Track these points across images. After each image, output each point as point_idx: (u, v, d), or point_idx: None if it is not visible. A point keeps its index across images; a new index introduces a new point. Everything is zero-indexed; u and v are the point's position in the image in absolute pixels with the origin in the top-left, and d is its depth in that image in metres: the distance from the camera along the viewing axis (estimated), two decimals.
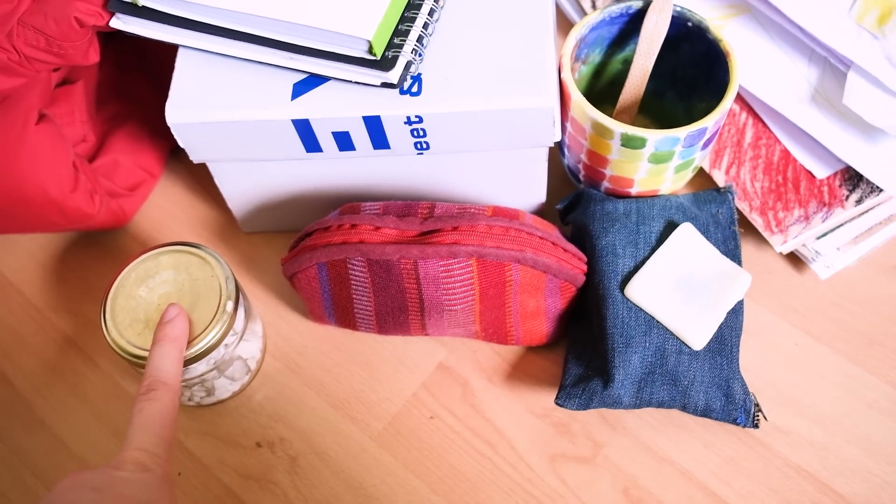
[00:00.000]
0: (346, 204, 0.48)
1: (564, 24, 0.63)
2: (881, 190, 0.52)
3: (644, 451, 0.48)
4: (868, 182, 0.52)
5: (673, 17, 0.50)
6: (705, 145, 0.48)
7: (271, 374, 0.52)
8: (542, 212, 0.54)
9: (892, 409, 0.48)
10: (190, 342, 0.44)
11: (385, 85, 0.44)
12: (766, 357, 0.50)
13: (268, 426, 0.50)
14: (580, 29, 0.49)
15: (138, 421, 0.39)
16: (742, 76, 0.55)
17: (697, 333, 0.45)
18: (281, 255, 0.55)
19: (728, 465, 0.47)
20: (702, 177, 0.56)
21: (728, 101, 0.46)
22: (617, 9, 0.50)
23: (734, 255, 0.49)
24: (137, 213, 0.58)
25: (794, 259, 0.53)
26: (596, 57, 0.53)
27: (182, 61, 0.47)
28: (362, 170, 0.50)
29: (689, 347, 0.45)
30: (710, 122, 0.46)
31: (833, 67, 0.55)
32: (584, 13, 0.61)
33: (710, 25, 0.49)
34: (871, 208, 0.53)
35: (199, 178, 0.59)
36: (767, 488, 0.46)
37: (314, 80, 0.45)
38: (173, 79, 0.46)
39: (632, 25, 0.51)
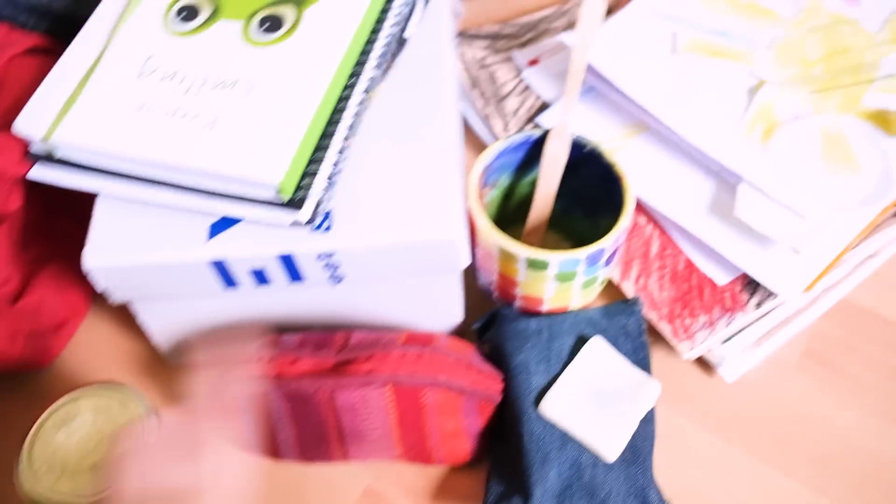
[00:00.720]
0: (264, 337, 0.50)
1: (477, 144, 0.66)
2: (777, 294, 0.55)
3: None
4: (766, 287, 0.56)
5: (571, 142, 0.53)
6: (608, 262, 0.51)
7: None
8: (461, 330, 0.56)
9: None
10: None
11: (297, 224, 0.46)
12: (681, 462, 0.52)
13: None
14: (486, 158, 0.53)
15: None
16: (640, 193, 0.59)
17: (610, 445, 0.47)
18: None
19: None
20: (613, 288, 0.58)
21: (624, 222, 0.49)
22: (519, 137, 0.54)
23: (644, 365, 0.51)
24: (63, 351, 0.58)
25: (703, 363, 0.56)
26: (505, 181, 0.56)
27: (100, 206, 0.48)
28: (280, 301, 0.51)
29: (604, 459, 0.47)
30: (608, 242, 0.49)
31: (726, 180, 0.59)
32: (493, 134, 0.65)
33: (603, 150, 0.52)
34: (771, 311, 0.56)
35: (126, 312, 0.60)
36: None
37: (229, 221, 0.47)
38: (91, 224, 0.48)
39: (536, 150, 0.55)
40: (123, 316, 0.60)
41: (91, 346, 0.59)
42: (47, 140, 0.46)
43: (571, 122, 0.53)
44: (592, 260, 0.49)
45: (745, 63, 0.63)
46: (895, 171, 0.58)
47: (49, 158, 0.48)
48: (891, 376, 0.54)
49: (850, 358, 0.55)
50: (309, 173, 0.46)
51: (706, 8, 0.67)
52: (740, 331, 0.55)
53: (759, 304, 0.55)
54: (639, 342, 0.52)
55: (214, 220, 0.48)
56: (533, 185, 0.57)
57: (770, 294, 0.55)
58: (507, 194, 0.58)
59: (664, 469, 0.51)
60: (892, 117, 0.60)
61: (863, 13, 0.65)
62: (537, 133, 0.54)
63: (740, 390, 0.54)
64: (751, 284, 0.56)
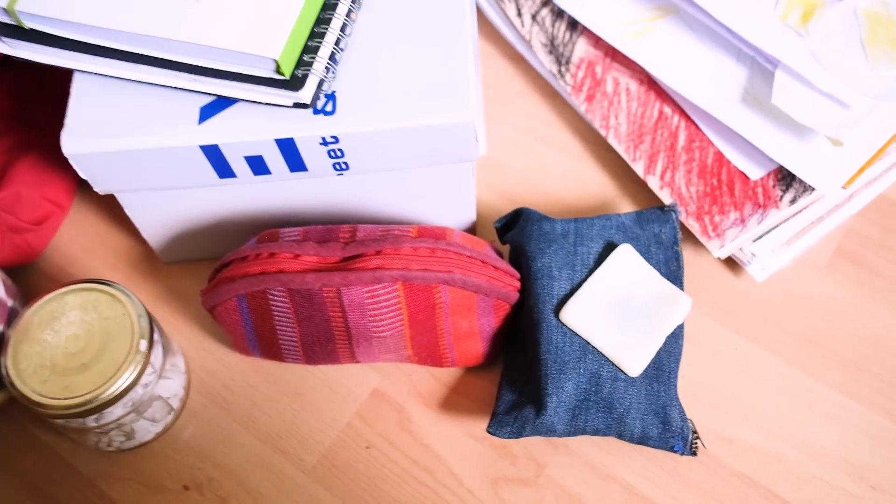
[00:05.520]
0: (263, 231, 0.46)
1: (489, 30, 0.61)
2: (813, 189, 0.51)
3: (587, 468, 0.47)
4: (801, 181, 0.52)
5: None
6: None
7: (197, 410, 0.50)
8: (474, 229, 0.52)
9: (832, 411, 0.48)
10: (102, 384, 0.42)
11: (297, 105, 0.42)
12: (706, 364, 0.49)
13: (195, 467, 0.48)
14: None
15: None
16: (667, 80, 0.54)
17: (634, 359, 0.44)
18: (203, 285, 0.53)
19: (672, 478, 0.46)
20: (639, 184, 0.54)
21: None
22: None
23: (676, 277, 0.47)
24: (48, 248, 0.55)
25: (731, 263, 0.52)
26: None
27: (78, 86, 0.44)
28: (281, 193, 0.48)
29: (626, 374, 0.44)
30: None
31: (761, 67, 0.55)
32: (507, 19, 0.60)
33: None
34: (805, 208, 0.52)
35: (114, 207, 0.56)
36: (713, 499, 0.45)
37: (222, 103, 0.43)
38: (69, 106, 0.43)
39: None
40: (111, 211, 0.56)
41: (77, 242, 0.55)
42: (11, 8, 0.41)
43: None
44: None
45: None
46: None
47: (17, 31, 0.43)
48: None
49: (885, 257, 0.52)
50: (310, 49, 0.41)
51: None
52: (772, 228, 0.52)
53: (793, 201, 0.51)
54: (672, 252, 0.48)
55: (206, 101, 0.43)
56: None
57: (806, 189, 0.51)
58: None
59: (689, 370, 0.48)
60: None
61: None
62: None
63: (769, 290, 0.51)
64: (785, 179, 0.52)
